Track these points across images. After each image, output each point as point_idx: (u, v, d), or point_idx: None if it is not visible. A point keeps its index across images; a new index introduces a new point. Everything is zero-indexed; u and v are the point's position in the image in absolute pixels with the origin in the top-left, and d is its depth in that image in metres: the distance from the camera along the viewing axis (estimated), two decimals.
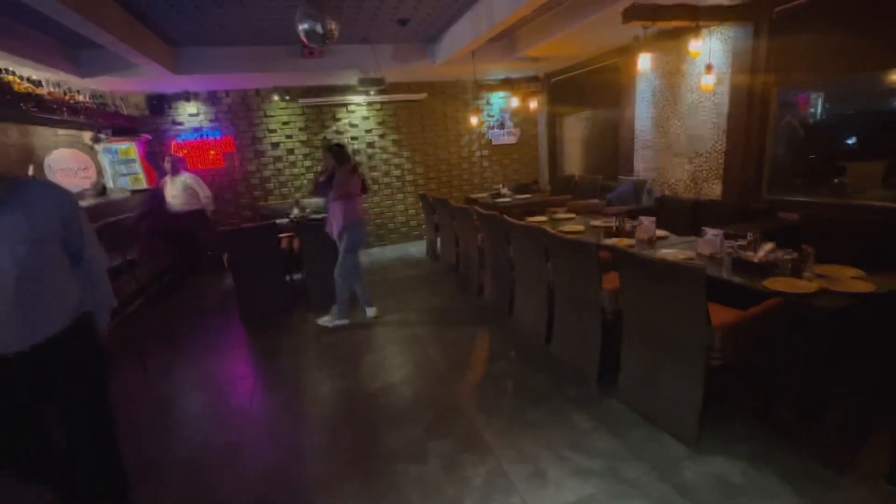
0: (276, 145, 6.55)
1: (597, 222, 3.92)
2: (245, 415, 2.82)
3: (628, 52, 5.32)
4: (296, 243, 4.91)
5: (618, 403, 2.53)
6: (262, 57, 5.15)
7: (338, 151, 3.92)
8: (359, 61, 5.45)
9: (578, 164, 7.30)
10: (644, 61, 4.17)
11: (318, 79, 6.08)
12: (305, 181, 6.78)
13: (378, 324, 4.08)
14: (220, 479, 2.23)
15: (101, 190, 5.58)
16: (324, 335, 3.91)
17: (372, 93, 6.47)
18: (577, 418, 2.45)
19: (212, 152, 6.26)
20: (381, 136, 7.01)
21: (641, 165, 5.59)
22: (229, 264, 4.45)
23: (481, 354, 3.44)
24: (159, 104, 5.99)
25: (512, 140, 7.68)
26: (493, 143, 7.60)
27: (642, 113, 5.44)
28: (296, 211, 5.71)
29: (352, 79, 6.17)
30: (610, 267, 2.80)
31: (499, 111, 7.52)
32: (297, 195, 6.75)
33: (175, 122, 6.13)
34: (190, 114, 6.15)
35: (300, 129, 6.62)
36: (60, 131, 5.68)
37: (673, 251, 2.86)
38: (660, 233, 3.35)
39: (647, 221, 3.31)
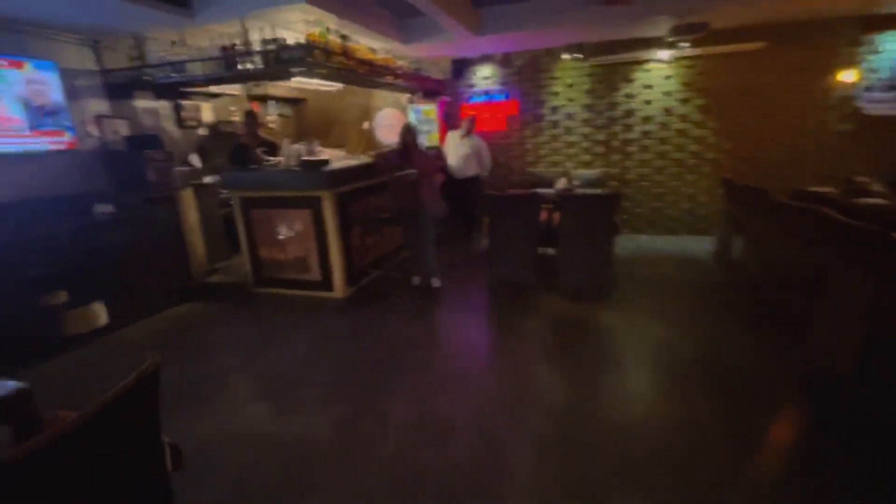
0: (555, 109, 6.19)
1: None
2: (465, 389, 2.71)
3: None
4: (555, 217, 4.51)
5: None
6: (561, 8, 4.72)
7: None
8: (676, 3, 4.34)
9: None
10: None
11: (619, 31, 5.26)
12: (580, 149, 6.23)
13: (625, 337, 3.33)
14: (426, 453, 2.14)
15: None
16: (561, 322, 3.46)
17: (684, 45, 5.19)
18: None
19: (497, 115, 6.42)
20: (683, 101, 5.67)
21: None
22: (488, 228, 4.45)
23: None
24: (460, 68, 6.44)
25: None
26: (867, 111, 5.10)
27: None
28: (563, 182, 5.28)
29: (660, 29, 5.07)
30: None
31: (891, 64, 4.92)
32: (569, 164, 6.30)
33: (469, 85, 6.51)
34: (483, 76, 6.40)
35: (585, 92, 6.01)
36: (387, 93, 6.88)
37: None
38: None
39: None
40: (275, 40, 3.63)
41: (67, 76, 3.87)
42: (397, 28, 5.14)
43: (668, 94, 5.70)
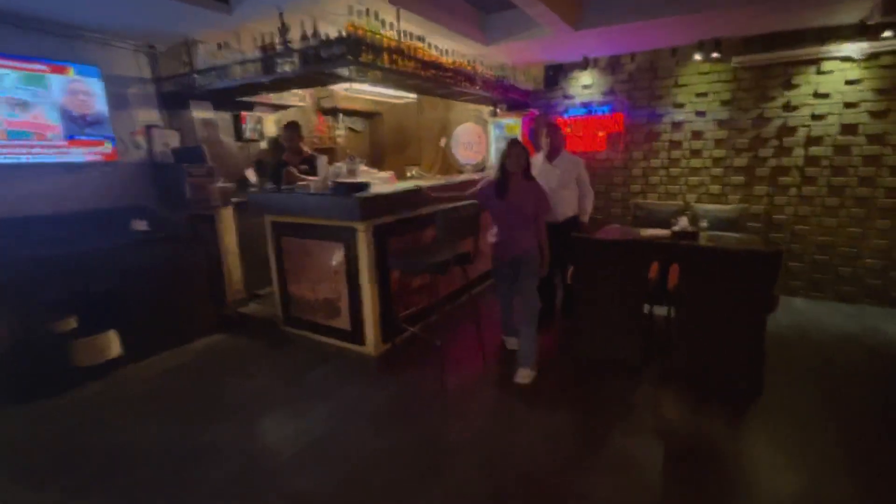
0: (678, 125, 4.80)
1: None
2: None
3: None
4: (672, 272, 3.20)
5: None
6: None
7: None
8: None
9: None
10: None
11: (776, 20, 3.81)
12: (709, 177, 4.75)
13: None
14: None
15: (480, 167, 5.60)
16: (669, 441, 2.18)
17: (883, 36, 3.58)
18: None
19: (595, 132, 5.21)
20: (877, 116, 3.96)
21: None
22: (573, 281, 3.30)
23: None
24: (554, 76, 5.36)
25: None
26: None
27: None
28: (684, 220, 3.92)
29: (844, 16, 3.55)
30: None
31: None
32: (690, 196, 4.85)
33: (565, 96, 5.39)
34: (583, 85, 5.25)
35: (722, 104, 4.55)
36: (470, 106, 6.05)
37: None
38: None
39: None
40: (315, 34, 2.95)
41: (112, 83, 3.61)
42: (479, 25, 4.27)
43: (851, 105, 4.03)
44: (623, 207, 5.19)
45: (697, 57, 4.43)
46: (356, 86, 4.24)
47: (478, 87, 4.41)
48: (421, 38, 3.54)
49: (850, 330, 3.68)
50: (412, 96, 5.39)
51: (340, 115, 5.97)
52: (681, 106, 4.75)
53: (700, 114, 4.67)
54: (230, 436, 2.49)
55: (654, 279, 3.21)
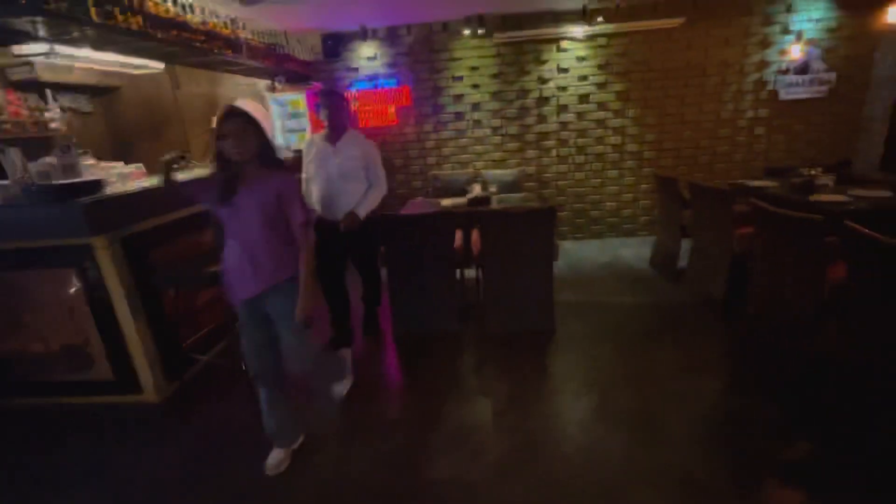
0: (458, 98, 5.08)
1: None
2: None
3: None
4: (475, 238, 3.38)
5: None
6: None
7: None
8: None
9: None
10: None
11: (516, 2, 4.28)
12: (491, 146, 5.20)
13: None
14: None
15: None
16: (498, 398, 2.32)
17: (597, 21, 4.40)
18: None
19: (385, 105, 5.11)
20: (601, 86, 4.92)
21: None
22: (386, 260, 3.17)
23: None
24: (334, 45, 5.00)
25: (817, 93, 4.72)
26: (782, 97, 4.77)
27: None
28: (477, 188, 4.19)
29: (569, 2, 4.22)
30: None
31: (803, 42, 4.61)
32: (478, 164, 5.25)
33: (349, 69, 5.11)
34: (367, 57, 5.05)
35: (491, 77, 4.98)
36: (241, 79, 5.20)
37: None
38: None
39: None
40: None
41: None
42: None
43: (583, 78, 4.90)
44: (423, 180, 5.31)
45: (466, 32, 4.70)
46: (64, 50, 3.08)
47: (244, 56, 3.75)
48: None
49: (605, 261, 4.59)
50: (158, 66, 4.29)
51: (49, 91, 4.37)
52: (459, 79, 5.01)
53: (476, 86, 5.02)
54: None
55: (460, 246, 3.34)
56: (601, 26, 4.49)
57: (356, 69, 5.09)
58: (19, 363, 2.54)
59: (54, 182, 2.14)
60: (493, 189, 4.25)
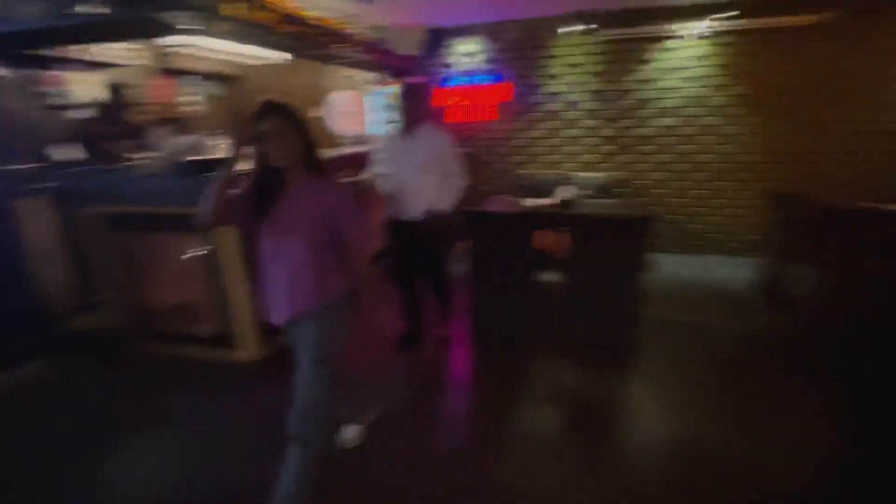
0: (555, 96, 4.93)
1: None
2: None
3: None
4: (559, 242, 3.27)
5: None
6: None
7: None
8: None
9: None
10: None
11: None
12: (584, 147, 4.99)
13: None
14: None
15: (361, 139, 5.20)
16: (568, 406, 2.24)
17: (725, 15, 4.00)
18: None
19: (485, 102, 5.10)
20: (717, 89, 4.48)
21: None
22: (473, 259, 3.17)
23: None
24: (436, 40, 5.11)
25: None
26: None
27: None
28: (569, 189, 4.06)
29: None
30: None
31: None
32: (568, 165, 5.07)
33: (447, 65, 5.19)
34: (466, 53, 5.09)
35: (593, 75, 4.76)
36: (343, 71, 5.52)
37: None
38: None
39: None
40: None
41: None
42: None
43: (697, 79, 4.50)
44: (507, 178, 5.24)
45: (570, 28, 4.54)
46: (202, 41, 3.50)
47: (355, 49, 3.98)
48: None
49: (702, 279, 4.21)
50: (285, 56, 4.69)
51: (197, 78, 4.98)
52: (557, 76, 4.86)
53: (575, 84, 4.84)
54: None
55: (545, 248, 3.25)
56: (726, 22, 4.08)
57: (454, 65, 5.16)
58: (146, 312, 2.97)
59: (197, 158, 2.47)
60: (582, 192, 4.09)
